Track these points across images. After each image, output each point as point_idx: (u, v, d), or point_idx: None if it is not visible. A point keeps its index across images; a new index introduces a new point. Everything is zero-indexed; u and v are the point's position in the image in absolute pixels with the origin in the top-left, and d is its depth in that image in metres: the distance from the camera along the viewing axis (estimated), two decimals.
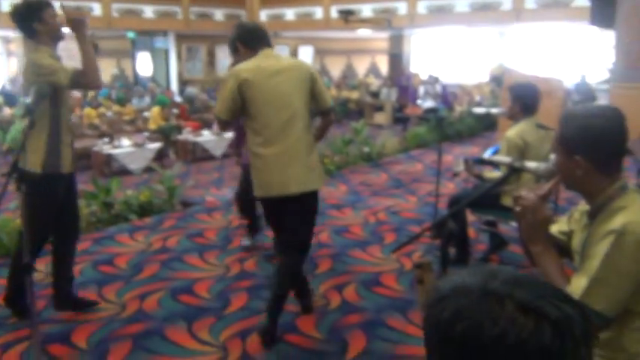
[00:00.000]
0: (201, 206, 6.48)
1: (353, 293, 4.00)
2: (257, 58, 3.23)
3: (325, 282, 4.21)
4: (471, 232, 4.84)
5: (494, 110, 4.81)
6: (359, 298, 3.90)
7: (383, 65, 21.47)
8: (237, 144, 5.11)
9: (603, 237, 1.69)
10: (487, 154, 4.68)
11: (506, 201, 4.25)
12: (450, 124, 11.85)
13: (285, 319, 3.55)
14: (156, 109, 11.08)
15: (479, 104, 14.95)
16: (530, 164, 2.06)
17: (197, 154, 10.29)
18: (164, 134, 10.55)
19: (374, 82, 19.51)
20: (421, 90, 15.28)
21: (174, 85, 18.43)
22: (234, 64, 3.35)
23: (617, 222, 1.68)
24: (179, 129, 10.84)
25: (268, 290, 4.05)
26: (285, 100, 3.18)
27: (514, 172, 2.09)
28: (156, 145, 9.60)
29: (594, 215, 1.81)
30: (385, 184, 7.69)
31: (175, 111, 11.46)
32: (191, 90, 15.13)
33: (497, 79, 15.89)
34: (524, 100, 4.18)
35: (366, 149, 9.25)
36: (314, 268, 4.47)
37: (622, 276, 1.65)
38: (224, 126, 3.27)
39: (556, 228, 2.10)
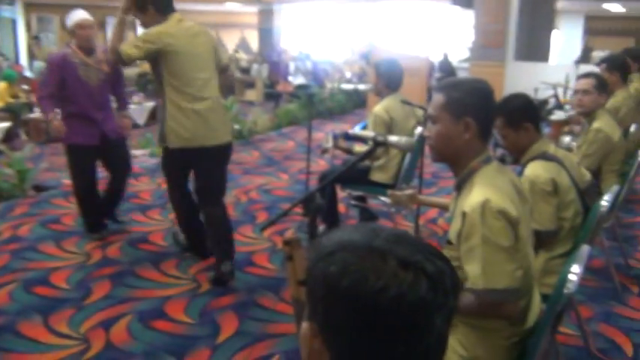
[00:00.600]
0: (58, 190, 6.09)
1: None
2: (172, 21, 3.59)
3: (195, 265, 4.16)
4: (342, 207, 4.97)
5: (362, 87, 4.97)
6: (231, 279, 3.89)
7: (253, 40, 21.27)
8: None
9: (469, 213, 1.74)
10: (356, 130, 4.82)
11: (375, 176, 4.42)
12: (320, 100, 12.04)
13: (152, 304, 3.47)
14: (2, 85, 10.20)
15: (349, 81, 15.32)
16: (393, 138, 2.15)
17: (52, 135, 9.61)
18: (13, 113, 9.75)
19: (244, 58, 19.30)
20: (292, 66, 15.39)
21: (23, 59, 17.05)
22: (144, 25, 3.62)
23: (476, 199, 1.74)
24: (30, 107, 10.07)
25: (133, 277, 3.94)
26: (205, 60, 3.65)
27: (378, 146, 2.16)
28: (3, 125, 8.86)
29: (460, 187, 1.89)
30: (257, 162, 7.69)
31: (25, 87, 10.63)
32: (41, 64, 14.09)
33: (365, 56, 16.34)
34: (389, 76, 4.34)
35: (237, 127, 9.18)
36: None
37: (503, 249, 1.71)
38: (123, 63, 3.56)
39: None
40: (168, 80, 3.56)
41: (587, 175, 2.98)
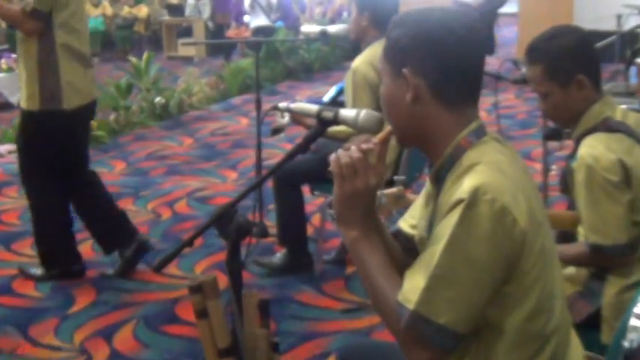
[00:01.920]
0: None
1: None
2: None
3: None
4: (317, 218, 5.03)
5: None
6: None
7: None
8: None
9: (448, 211, 1.74)
10: (328, 96, 4.77)
11: None
12: (290, 51, 12.00)
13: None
14: None
15: (340, 19, 15.25)
16: (346, 112, 2.11)
17: None
18: None
19: None
20: (248, 1, 15.30)
21: None
22: None
23: (465, 187, 1.74)
24: None
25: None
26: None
27: (325, 127, 2.15)
28: None
29: (440, 178, 1.88)
30: (190, 155, 7.75)
31: None
32: None
33: None
34: (376, 6, 4.28)
35: (159, 100, 9.13)
36: None
37: (474, 269, 1.71)
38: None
39: (409, 221, 2.15)
40: (60, 17, 4.07)
41: None
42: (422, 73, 1.81)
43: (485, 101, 7.61)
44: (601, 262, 2.69)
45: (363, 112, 2.05)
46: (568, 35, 2.77)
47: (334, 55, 12.69)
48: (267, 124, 5.04)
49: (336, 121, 2.14)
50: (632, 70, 6.34)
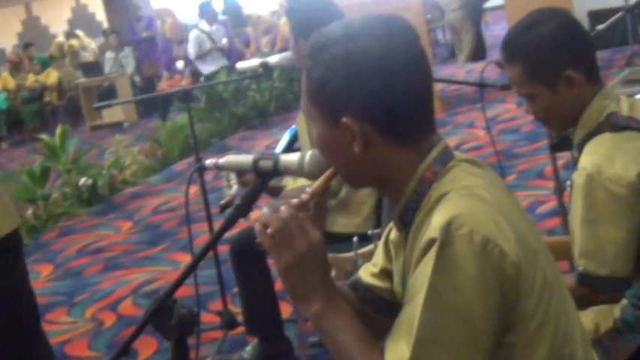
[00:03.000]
0: None
1: None
2: None
3: None
4: None
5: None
6: None
7: (98, 9, 21.39)
8: None
9: (420, 257, 1.74)
10: (281, 144, 4.79)
11: (336, 224, 4.36)
12: (238, 96, 12.06)
13: None
14: None
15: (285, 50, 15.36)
16: (288, 158, 2.12)
17: None
18: None
19: (87, 44, 19.41)
20: (191, 43, 15.33)
21: None
22: None
23: (435, 223, 1.73)
24: None
25: None
26: None
27: (266, 179, 2.17)
28: None
29: (407, 221, 1.88)
30: (130, 243, 7.78)
31: None
32: None
33: None
34: (312, 34, 4.31)
35: (85, 181, 9.14)
36: None
37: (465, 321, 1.70)
38: None
39: (370, 270, 2.15)
40: None
41: None
42: (366, 118, 1.80)
43: (481, 117, 7.67)
44: (588, 298, 2.61)
45: (309, 155, 2.05)
46: (546, 22, 2.75)
47: (292, 91, 12.70)
48: (218, 189, 5.07)
49: (277, 170, 2.14)
50: None
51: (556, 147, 4.53)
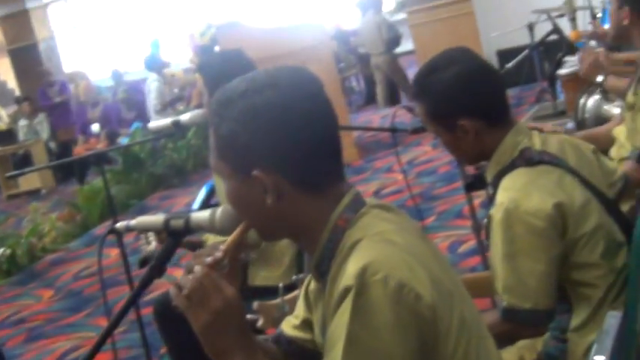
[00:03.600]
0: None
1: None
2: None
3: None
4: None
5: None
6: None
7: (8, 76, 21.12)
8: None
9: (337, 306, 1.75)
10: (198, 200, 4.79)
11: (257, 278, 4.36)
12: (155, 155, 12.01)
13: None
14: None
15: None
16: (199, 215, 2.12)
17: None
18: None
19: (0, 111, 19.17)
20: (93, 109, 15.29)
21: None
22: None
23: (349, 271, 1.74)
24: None
25: None
26: None
27: (178, 238, 2.18)
28: None
29: (323, 271, 1.90)
30: (52, 311, 7.71)
31: None
32: None
33: (208, 50, 16.28)
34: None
35: (3, 251, 9.11)
36: None
37: None
38: None
39: (291, 322, 2.15)
40: None
41: (617, 171, 3.04)
42: (276, 169, 1.83)
43: (400, 160, 7.71)
44: (513, 332, 2.67)
45: (220, 211, 2.06)
46: (447, 69, 2.77)
47: (208, 147, 12.66)
48: (138, 251, 5.02)
49: (189, 228, 2.14)
50: (558, 85, 6.54)
51: (470, 186, 4.54)
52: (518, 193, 2.65)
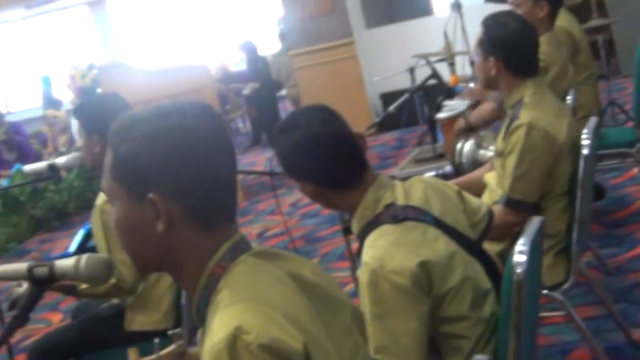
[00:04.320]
0: None
1: None
2: None
3: None
4: None
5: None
6: None
7: None
8: None
9: None
10: (74, 244, 4.74)
11: (134, 323, 4.33)
12: (36, 197, 11.81)
13: None
14: None
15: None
16: (63, 263, 2.12)
17: None
18: None
19: None
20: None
21: None
22: None
23: (215, 337, 1.71)
24: None
25: None
26: None
27: (42, 286, 2.18)
28: None
29: (202, 316, 1.88)
30: None
31: None
32: None
33: (88, 92, 16.13)
34: (105, 129, 4.32)
35: None
36: None
37: None
38: None
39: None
40: None
41: (482, 209, 3.10)
42: (173, 196, 1.81)
43: (282, 204, 7.72)
44: None
45: (84, 259, 2.05)
46: (295, 129, 2.84)
47: (92, 189, 12.51)
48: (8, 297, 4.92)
49: (54, 276, 2.13)
50: (438, 128, 6.63)
51: (347, 230, 4.65)
52: (383, 252, 2.69)
